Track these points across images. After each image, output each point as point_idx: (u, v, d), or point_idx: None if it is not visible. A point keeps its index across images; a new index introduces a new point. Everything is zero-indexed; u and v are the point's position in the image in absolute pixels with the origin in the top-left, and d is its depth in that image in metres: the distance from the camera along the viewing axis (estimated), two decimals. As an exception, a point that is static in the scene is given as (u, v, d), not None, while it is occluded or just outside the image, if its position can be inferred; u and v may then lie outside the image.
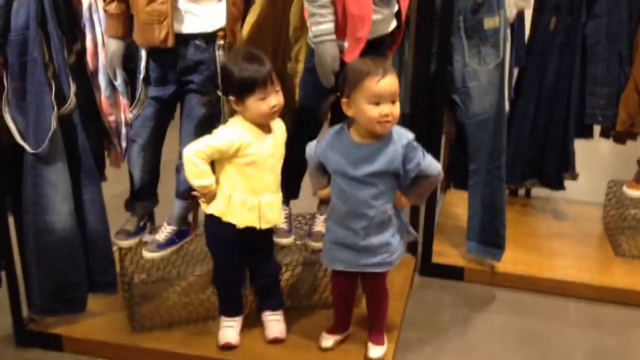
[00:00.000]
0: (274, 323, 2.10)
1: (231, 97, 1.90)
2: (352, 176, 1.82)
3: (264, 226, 1.95)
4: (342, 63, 2.02)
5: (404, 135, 1.82)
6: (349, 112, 1.82)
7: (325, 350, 2.04)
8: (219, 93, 2.02)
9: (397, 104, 1.78)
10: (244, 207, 1.92)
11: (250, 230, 1.94)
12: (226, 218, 1.94)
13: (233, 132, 1.89)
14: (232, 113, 2.00)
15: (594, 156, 3.78)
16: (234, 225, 1.93)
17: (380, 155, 1.80)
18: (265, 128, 1.94)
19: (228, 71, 1.88)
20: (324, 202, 2.33)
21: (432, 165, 1.85)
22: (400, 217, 1.94)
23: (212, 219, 1.96)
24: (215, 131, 1.92)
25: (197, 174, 1.90)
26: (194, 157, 1.87)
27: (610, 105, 2.78)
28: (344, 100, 1.82)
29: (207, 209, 1.97)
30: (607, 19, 2.73)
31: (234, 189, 1.92)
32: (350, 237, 1.88)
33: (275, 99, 1.88)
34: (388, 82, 1.75)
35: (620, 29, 2.73)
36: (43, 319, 2.16)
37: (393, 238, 1.90)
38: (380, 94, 1.74)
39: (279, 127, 1.99)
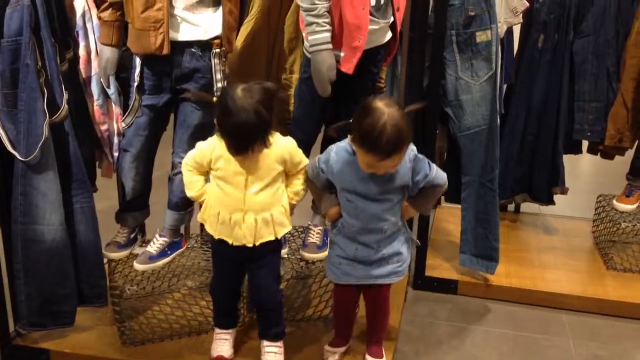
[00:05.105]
0: (272, 355, 1.98)
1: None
2: (364, 194, 1.80)
3: (235, 243, 1.86)
4: (339, 73, 2.03)
5: (409, 149, 1.80)
6: (354, 147, 1.78)
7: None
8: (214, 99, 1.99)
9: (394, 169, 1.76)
10: (217, 219, 1.87)
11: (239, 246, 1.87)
12: (206, 226, 1.91)
13: (208, 143, 1.85)
14: None
15: (575, 173, 3.82)
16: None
17: (390, 173, 1.78)
18: None
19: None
20: (318, 214, 2.32)
21: (439, 175, 1.85)
22: (406, 226, 1.93)
23: None
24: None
25: (186, 184, 1.89)
26: (183, 167, 1.88)
27: (598, 121, 2.82)
28: (350, 135, 1.78)
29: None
30: (594, 37, 2.77)
31: (212, 200, 1.88)
32: (363, 251, 1.86)
33: None
34: (385, 165, 1.71)
35: (608, 46, 2.77)
36: (30, 333, 2.10)
37: (402, 247, 1.91)
38: (375, 168, 1.73)
39: (274, 145, 1.82)
